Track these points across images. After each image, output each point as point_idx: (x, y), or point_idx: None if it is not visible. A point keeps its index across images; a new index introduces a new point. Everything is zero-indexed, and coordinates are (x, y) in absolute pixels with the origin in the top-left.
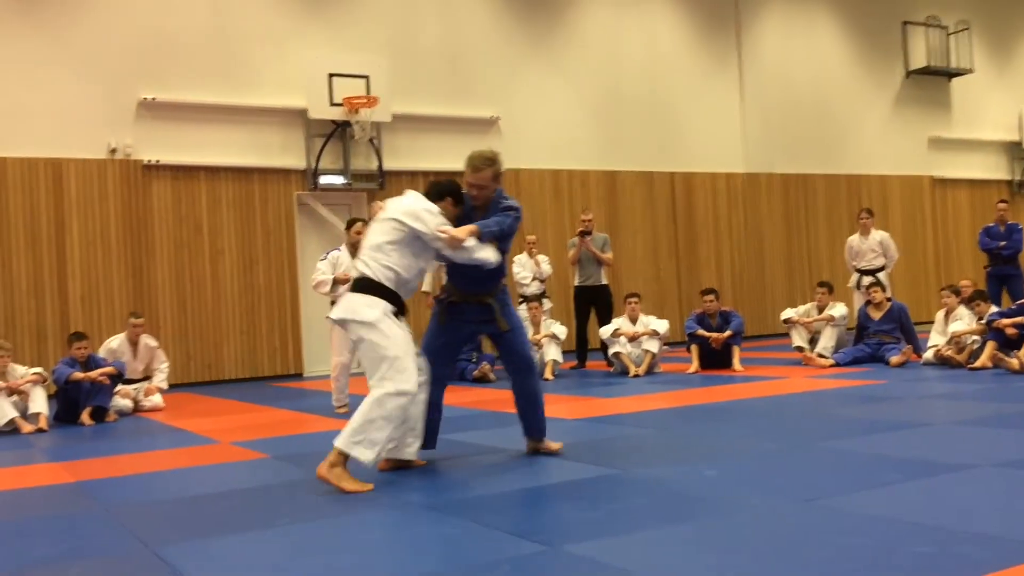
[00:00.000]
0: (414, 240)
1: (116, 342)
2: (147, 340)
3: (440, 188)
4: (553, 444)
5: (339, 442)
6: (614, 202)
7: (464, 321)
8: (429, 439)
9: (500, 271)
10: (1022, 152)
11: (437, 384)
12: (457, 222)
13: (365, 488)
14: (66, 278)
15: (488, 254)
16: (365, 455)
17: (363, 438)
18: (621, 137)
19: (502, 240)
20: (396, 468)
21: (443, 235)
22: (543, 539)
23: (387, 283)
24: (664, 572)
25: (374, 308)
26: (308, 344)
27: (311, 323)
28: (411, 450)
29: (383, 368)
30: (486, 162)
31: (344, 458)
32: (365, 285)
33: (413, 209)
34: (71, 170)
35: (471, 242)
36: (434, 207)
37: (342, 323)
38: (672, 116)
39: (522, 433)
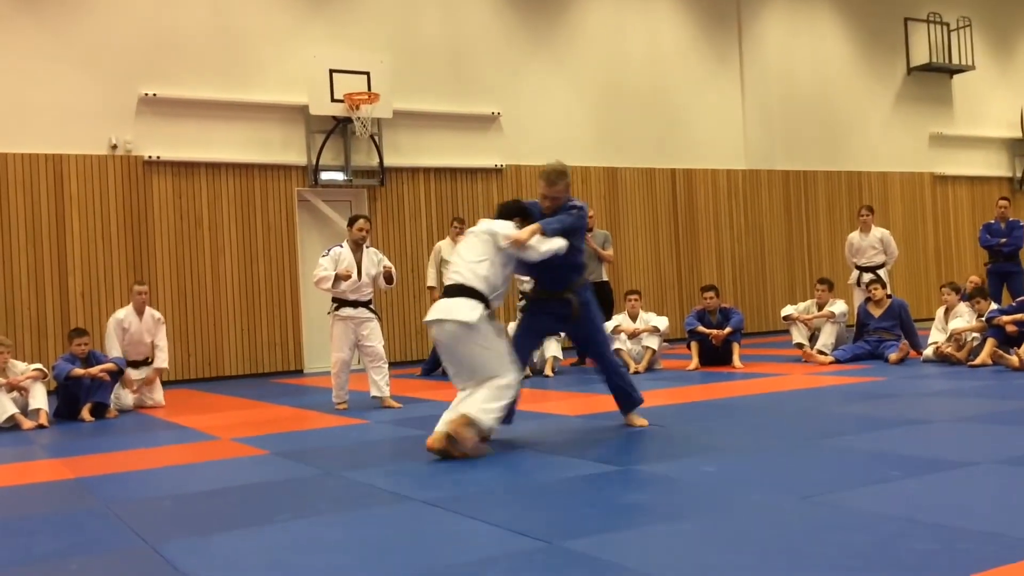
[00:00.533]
0: (498, 252)
1: (123, 312)
2: (152, 312)
3: (508, 210)
4: (639, 420)
5: (469, 409)
6: (615, 198)
7: (545, 314)
8: (509, 416)
9: (578, 269)
10: (1023, 149)
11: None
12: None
13: (486, 451)
14: (66, 274)
15: (552, 244)
16: (490, 422)
17: (490, 408)
18: (622, 133)
19: (567, 236)
20: (445, 457)
21: (512, 237)
22: (542, 535)
23: (481, 289)
24: (663, 568)
25: (474, 310)
26: (308, 340)
27: (312, 319)
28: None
29: (495, 364)
30: (560, 176)
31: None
32: (462, 290)
33: (491, 227)
34: (72, 166)
35: (534, 240)
36: (508, 224)
37: (439, 323)
38: (673, 112)
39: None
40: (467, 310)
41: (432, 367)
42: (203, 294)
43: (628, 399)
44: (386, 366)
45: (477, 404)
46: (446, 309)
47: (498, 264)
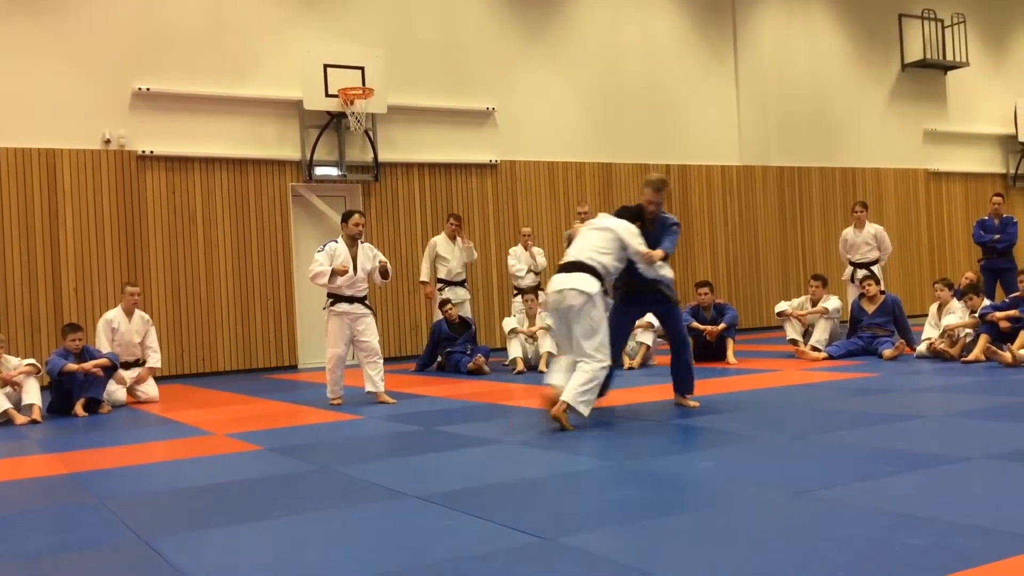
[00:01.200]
0: (621, 248)
1: (112, 313)
2: (141, 313)
3: (632, 213)
4: (691, 402)
5: (567, 397)
6: (609, 194)
7: (639, 304)
8: (603, 391)
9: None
10: (1017, 145)
11: (616, 352)
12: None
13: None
14: (60, 269)
15: (668, 272)
16: (585, 410)
17: (586, 399)
18: (617, 129)
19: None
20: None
21: (643, 253)
22: (538, 531)
23: (599, 271)
24: (659, 564)
25: (594, 284)
26: (303, 336)
27: (306, 315)
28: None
29: (595, 341)
30: (665, 184)
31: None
32: (583, 267)
33: (628, 228)
34: (65, 160)
35: (659, 264)
36: (634, 229)
37: (560, 292)
38: (668, 108)
39: (673, 390)
40: (589, 280)
41: (427, 363)
42: (197, 289)
43: (686, 382)
44: (381, 361)
45: (575, 391)
46: (570, 280)
47: (615, 259)
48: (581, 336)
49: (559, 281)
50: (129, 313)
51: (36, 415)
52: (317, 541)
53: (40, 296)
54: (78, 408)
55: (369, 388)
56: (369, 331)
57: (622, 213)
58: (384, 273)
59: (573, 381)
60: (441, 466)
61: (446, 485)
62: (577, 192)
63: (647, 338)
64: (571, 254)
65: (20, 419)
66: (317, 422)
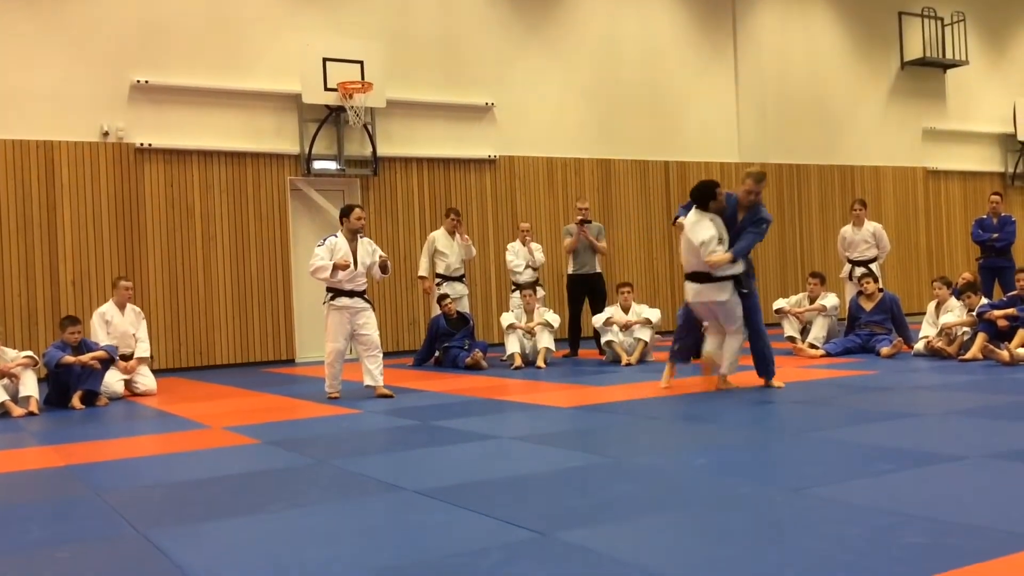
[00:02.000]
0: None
1: (105, 307)
2: (133, 307)
3: (701, 192)
4: (778, 382)
5: (725, 369)
6: (608, 191)
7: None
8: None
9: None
10: (1016, 144)
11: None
12: (725, 216)
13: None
14: (57, 261)
15: (736, 268)
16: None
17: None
18: (616, 125)
19: (748, 252)
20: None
21: (710, 262)
22: (533, 526)
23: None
24: (655, 560)
25: (727, 288)
26: (300, 330)
27: (304, 309)
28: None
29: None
30: (764, 178)
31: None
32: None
33: (696, 238)
34: (63, 153)
35: (726, 265)
36: (710, 234)
37: (696, 298)
38: (667, 105)
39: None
40: (718, 290)
41: (424, 357)
42: (195, 283)
43: (767, 367)
44: (380, 355)
45: (728, 365)
46: (701, 290)
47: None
48: (725, 318)
49: (692, 291)
50: (122, 307)
51: (33, 407)
52: (314, 535)
53: (38, 288)
54: (75, 401)
55: (368, 382)
56: (370, 325)
57: (694, 193)
58: (383, 268)
59: (727, 354)
60: (438, 461)
61: (443, 480)
62: (576, 188)
63: (644, 334)
64: (688, 263)
65: (17, 411)
66: (315, 416)
